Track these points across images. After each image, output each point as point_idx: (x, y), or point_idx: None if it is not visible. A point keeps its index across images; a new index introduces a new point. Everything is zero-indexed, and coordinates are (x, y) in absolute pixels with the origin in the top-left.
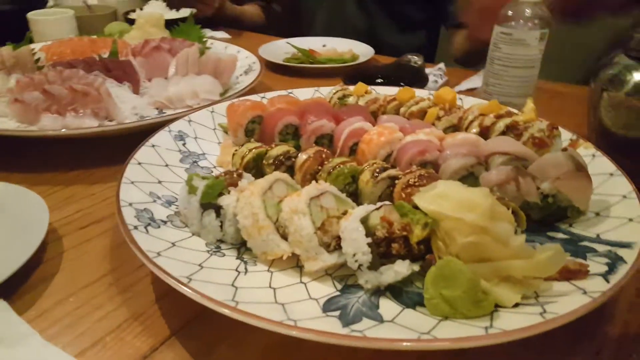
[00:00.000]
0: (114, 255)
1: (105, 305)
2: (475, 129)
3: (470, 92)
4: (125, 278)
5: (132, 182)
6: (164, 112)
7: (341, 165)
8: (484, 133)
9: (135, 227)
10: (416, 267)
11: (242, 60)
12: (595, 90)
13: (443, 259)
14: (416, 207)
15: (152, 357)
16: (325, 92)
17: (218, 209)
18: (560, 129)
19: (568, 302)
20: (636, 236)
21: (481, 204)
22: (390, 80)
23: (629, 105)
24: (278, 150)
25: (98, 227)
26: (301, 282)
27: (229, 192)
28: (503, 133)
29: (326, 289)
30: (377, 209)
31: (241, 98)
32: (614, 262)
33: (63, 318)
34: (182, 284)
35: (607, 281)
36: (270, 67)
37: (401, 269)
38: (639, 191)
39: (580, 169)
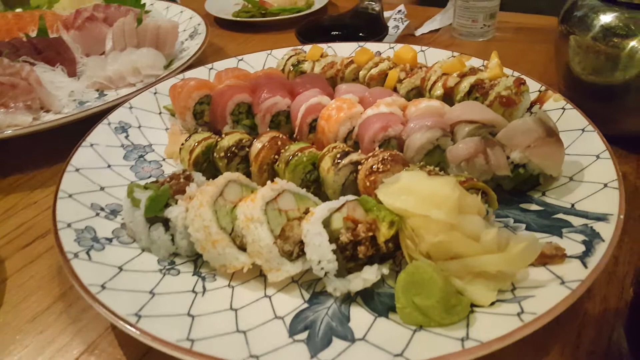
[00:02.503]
0: (62, 275)
1: (57, 339)
2: (439, 91)
3: (434, 33)
4: (77, 303)
5: (70, 196)
6: (105, 94)
7: (299, 153)
8: (449, 94)
9: (76, 255)
10: (386, 270)
11: (186, 22)
12: (562, 34)
13: (412, 265)
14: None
15: None
16: (279, 55)
17: (166, 222)
18: (528, 80)
19: (546, 296)
20: (612, 206)
21: (448, 198)
22: (347, 32)
23: (597, 50)
24: (229, 140)
25: (43, 243)
26: (265, 296)
27: (176, 202)
28: (468, 93)
29: (293, 302)
30: (339, 209)
31: (185, 75)
32: (590, 240)
33: None
34: (130, 324)
35: (585, 266)
36: (219, 23)
37: (369, 276)
38: (610, 145)
39: (551, 134)
